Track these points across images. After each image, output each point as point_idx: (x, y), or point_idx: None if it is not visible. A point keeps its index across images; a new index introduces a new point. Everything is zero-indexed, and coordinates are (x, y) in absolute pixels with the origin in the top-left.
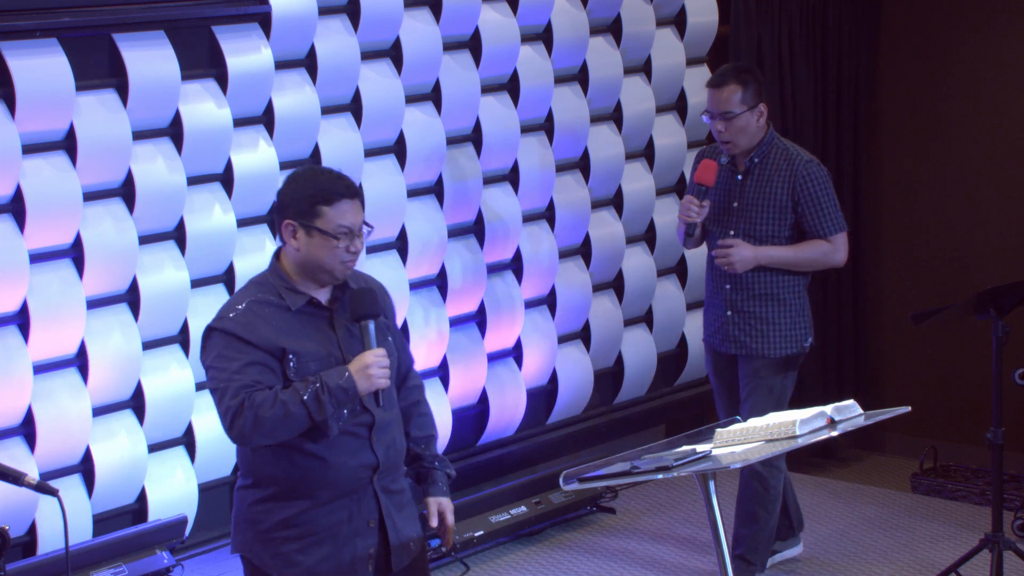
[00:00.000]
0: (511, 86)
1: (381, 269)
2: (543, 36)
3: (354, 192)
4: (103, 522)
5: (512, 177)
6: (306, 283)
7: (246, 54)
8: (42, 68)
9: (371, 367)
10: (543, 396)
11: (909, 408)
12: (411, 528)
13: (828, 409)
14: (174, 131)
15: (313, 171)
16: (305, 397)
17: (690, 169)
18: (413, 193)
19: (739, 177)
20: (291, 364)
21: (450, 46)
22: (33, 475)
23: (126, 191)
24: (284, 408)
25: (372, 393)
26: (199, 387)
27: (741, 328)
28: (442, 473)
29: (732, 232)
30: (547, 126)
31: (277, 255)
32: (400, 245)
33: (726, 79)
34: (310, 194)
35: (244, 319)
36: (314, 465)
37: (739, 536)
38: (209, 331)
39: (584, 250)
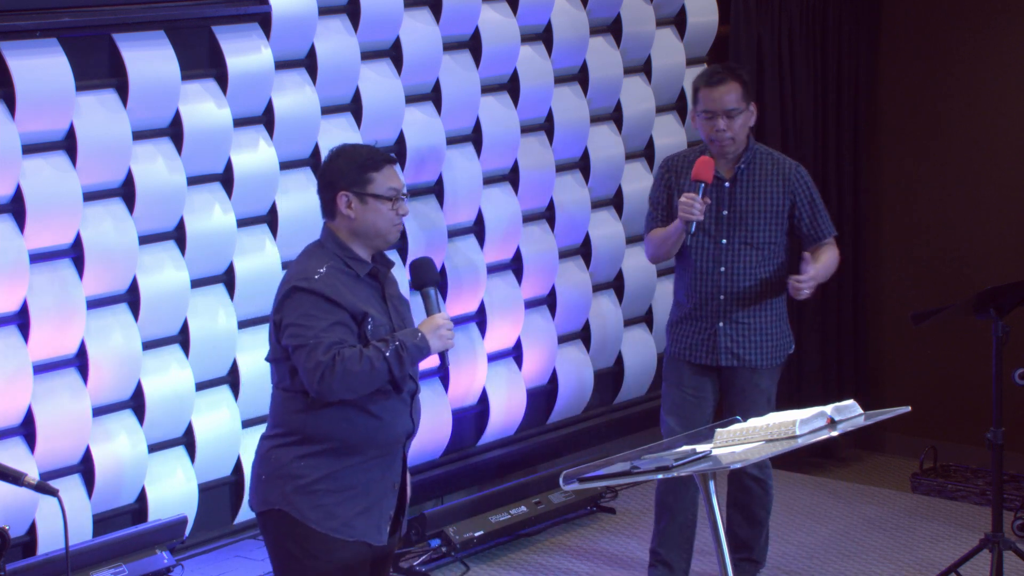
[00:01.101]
0: (511, 86)
1: None
2: (543, 36)
3: (392, 159)
4: (103, 522)
5: (512, 177)
6: (363, 250)
7: (246, 54)
8: (42, 68)
9: (442, 328)
10: (543, 396)
11: (909, 408)
12: (404, 498)
13: (828, 409)
14: (174, 131)
15: (350, 147)
16: (387, 354)
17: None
18: (413, 193)
19: (727, 184)
20: (369, 326)
21: (450, 46)
22: (33, 475)
23: (126, 191)
24: (370, 364)
25: (440, 353)
26: (199, 387)
27: (735, 339)
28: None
29: (724, 241)
30: (547, 126)
31: (327, 230)
32: (400, 245)
33: (725, 77)
34: (359, 164)
35: (329, 281)
36: (372, 424)
37: (743, 539)
38: (294, 290)
39: (584, 250)
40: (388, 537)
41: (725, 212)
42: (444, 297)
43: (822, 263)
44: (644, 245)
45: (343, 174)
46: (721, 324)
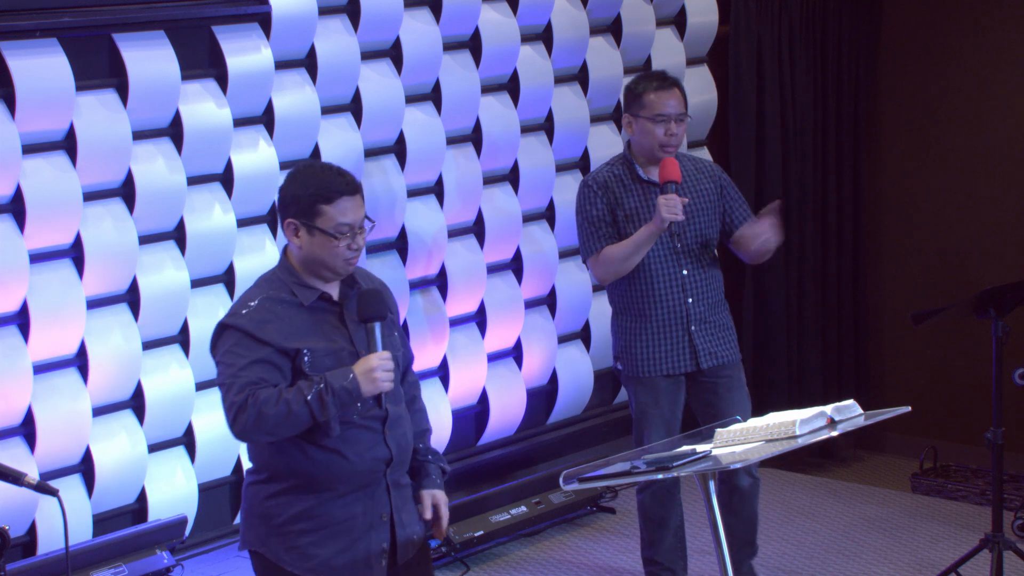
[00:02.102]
0: (511, 86)
1: (381, 269)
2: (543, 36)
3: (355, 188)
4: (103, 522)
5: (512, 177)
6: (314, 279)
7: (246, 54)
8: (42, 68)
9: (376, 370)
10: (543, 396)
11: (909, 408)
12: (415, 523)
13: (828, 409)
14: (174, 131)
15: (313, 168)
16: (308, 397)
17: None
18: (413, 193)
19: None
20: (305, 360)
21: (450, 46)
22: (33, 475)
23: (126, 191)
24: (287, 407)
25: (375, 396)
26: (199, 387)
27: (708, 339)
28: (436, 467)
29: (679, 244)
30: (547, 126)
31: (285, 251)
32: (400, 245)
33: (672, 83)
34: (310, 193)
35: (257, 316)
36: (331, 459)
37: (746, 540)
38: (221, 327)
39: None
40: (389, 570)
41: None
42: (444, 298)
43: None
44: (594, 267)
45: (293, 201)
46: (693, 328)
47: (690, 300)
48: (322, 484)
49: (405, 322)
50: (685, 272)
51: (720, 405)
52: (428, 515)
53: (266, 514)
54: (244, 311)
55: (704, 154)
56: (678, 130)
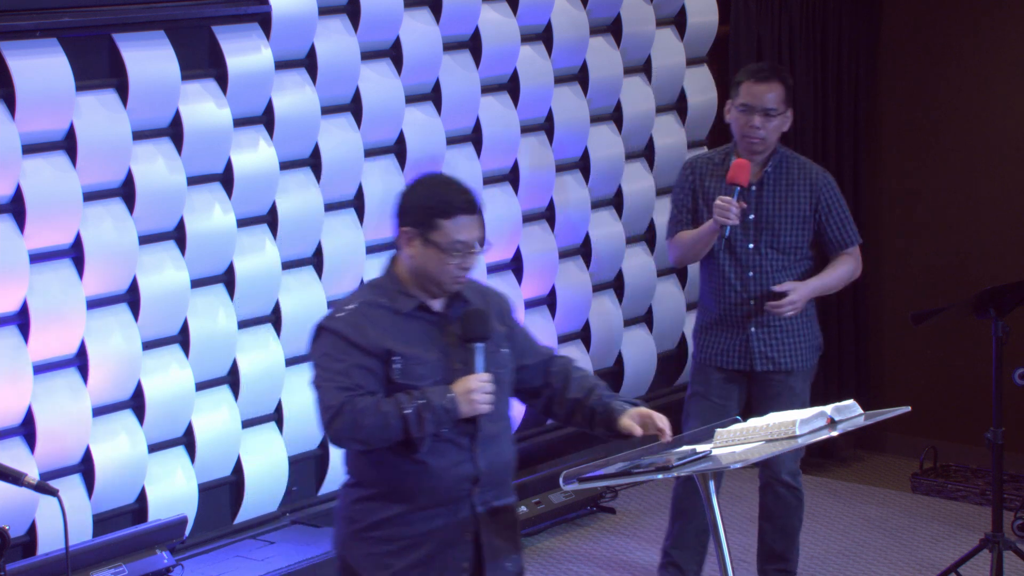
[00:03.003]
0: (511, 86)
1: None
2: (543, 36)
3: (475, 208)
4: (103, 522)
5: (512, 177)
6: (418, 290)
7: (246, 54)
8: (42, 68)
9: (475, 392)
10: None
11: (909, 408)
12: (510, 548)
13: (828, 409)
14: (174, 131)
15: (437, 180)
16: (407, 411)
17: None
18: None
19: (753, 188)
20: (396, 366)
21: (450, 46)
22: (33, 475)
23: (126, 191)
24: (384, 419)
25: (473, 418)
26: (199, 387)
27: (769, 343)
28: (619, 402)
29: (751, 245)
30: (547, 126)
31: (394, 259)
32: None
33: (771, 76)
34: (430, 205)
35: (352, 319)
36: (415, 470)
37: (776, 553)
38: (318, 329)
39: (584, 250)
40: None
41: (752, 216)
42: None
43: (827, 274)
44: (669, 248)
45: (412, 210)
46: (753, 329)
47: (752, 302)
48: (404, 495)
49: None
50: (751, 274)
51: (763, 404)
52: (639, 433)
53: (350, 518)
54: (341, 314)
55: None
56: (763, 124)
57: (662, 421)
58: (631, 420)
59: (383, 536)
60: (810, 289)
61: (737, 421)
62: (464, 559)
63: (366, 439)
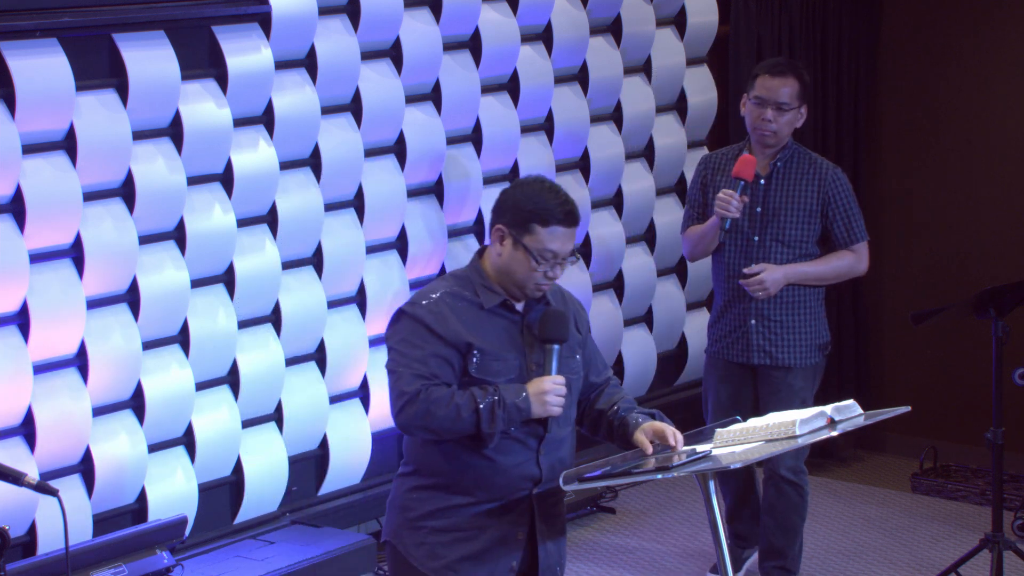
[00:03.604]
0: (511, 86)
1: (381, 269)
2: (543, 36)
3: (573, 221)
4: (103, 522)
5: (512, 177)
6: (501, 287)
7: (246, 54)
8: (42, 68)
9: (548, 393)
10: None
11: (909, 408)
12: (560, 554)
13: (828, 409)
14: (174, 131)
15: (541, 184)
16: (481, 406)
17: (692, 170)
18: (413, 193)
19: (762, 181)
20: (474, 360)
21: (450, 46)
22: (33, 475)
23: (126, 191)
24: (457, 411)
25: (543, 419)
26: (199, 387)
27: (767, 338)
28: (635, 415)
29: (756, 238)
30: (547, 126)
31: (480, 253)
32: (400, 245)
33: (786, 70)
34: (529, 209)
35: (436, 308)
36: (480, 465)
37: (775, 549)
38: (400, 314)
39: (584, 250)
40: None
41: (759, 209)
42: None
43: (814, 263)
44: (682, 243)
45: (511, 209)
46: (753, 322)
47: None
48: (463, 487)
49: None
50: (755, 266)
51: (768, 407)
52: (649, 450)
53: (405, 506)
54: (424, 302)
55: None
56: (774, 118)
57: (674, 437)
58: (643, 435)
59: (438, 526)
60: (784, 274)
61: (737, 421)
62: (513, 558)
63: (436, 429)
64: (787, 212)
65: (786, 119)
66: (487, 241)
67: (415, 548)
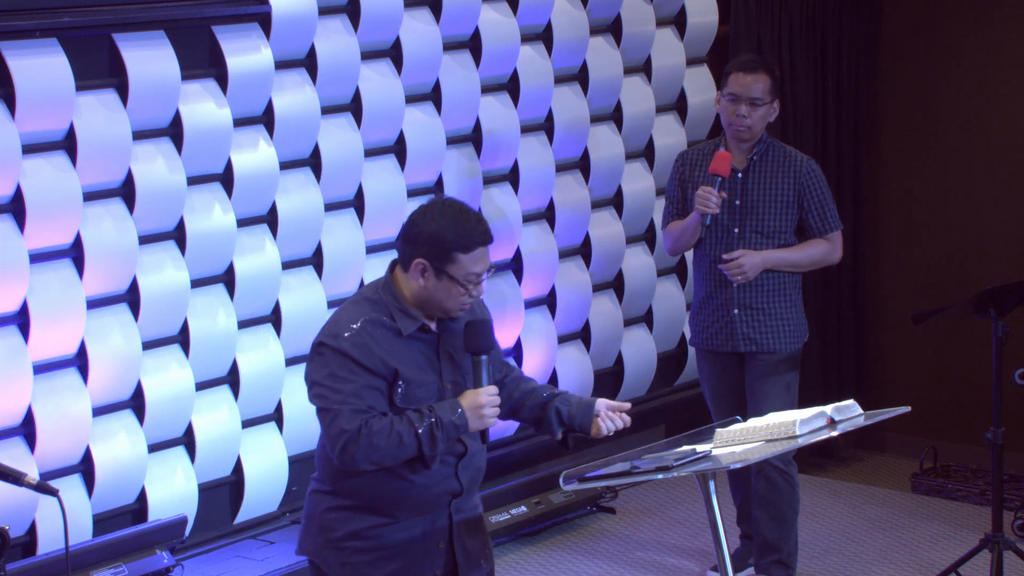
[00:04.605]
0: (511, 86)
1: (381, 269)
2: (543, 36)
3: (490, 238)
4: (103, 522)
5: (512, 177)
6: (419, 311)
7: (246, 54)
8: (42, 68)
9: (484, 407)
10: None
11: (909, 408)
12: (481, 548)
13: (828, 409)
14: (174, 131)
15: (453, 210)
16: (420, 431)
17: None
18: (413, 193)
19: (739, 175)
20: (399, 390)
21: (450, 46)
22: (33, 475)
23: (126, 191)
24: (399, 439)
25: (479, 431)
26: (199, 387)
27: (751, 325)
28: (561, 401)
29: (736, 230)
30: (547, 126)
31: (392, 271)
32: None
33: (757, 66)
34: (450, 239)
35: (359, 340)
36: (400, 486)
37: (770, 543)
38: (320, 346)
39: (584, 250)
40: None
41: (737, 202)
42: None
43: (791, 250)
44: (663, 239)
45: (429, 242)
46: (736, 311)
47: (735, 285)
48: (383, 508)
49: None
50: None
51: (752, 392)
52: (606, 431)
53: (324, 526)
54: (347, 333)
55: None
56: (748, 113)
57: (614, 418)
58: (600, 426)
59: (361, 547)
60: (763, 259)
61: (737, 421)
62: (437, 567)
63: (379, 460)
64: (765, 204)
65: (759, 114)
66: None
67: (339, 568)
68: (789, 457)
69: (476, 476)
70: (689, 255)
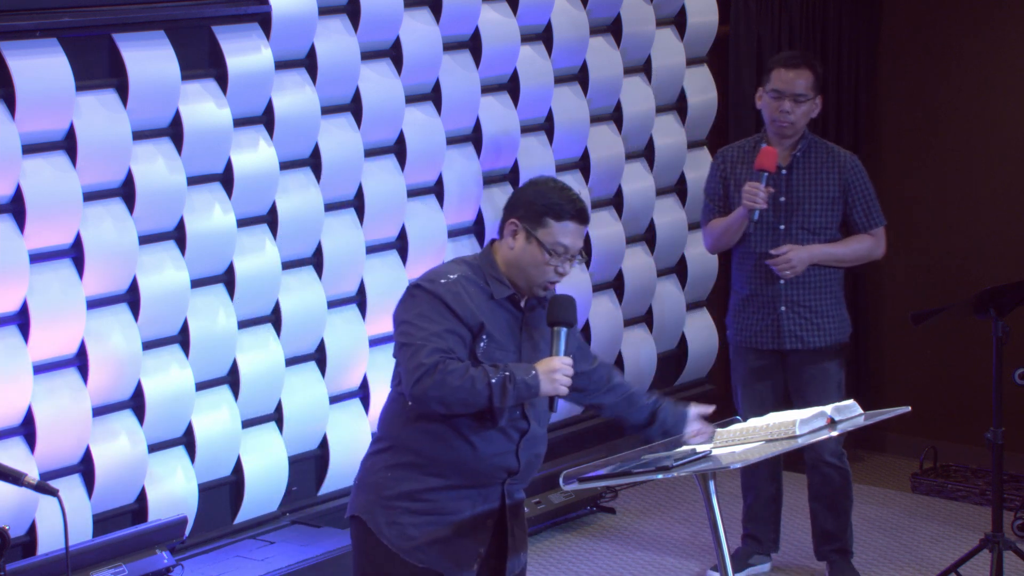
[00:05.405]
0: (511, 86)
1: (381, 269)
2: (543, 36)
3: (584, 218)
4: (103, 522)
5: (512, 177)
6: (511, 281)
7: (246, 54)
8: (42, 68)
9: (557, 372)
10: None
11: (909, 408)
12: (524, 541)
13: (828, 409)
14: (174, 131)
15: (555, 184)
16: (493, 380)
17: (692, 170)
18: (413, 193)
19: (783, 171)
20: (482, 344)
21: (450, 46)
22: (33, 475)
23: (126, 191)
24: (472, 383)
25: (549, 398)
26: (199, 387)
27: (798, 323)
28: (667, 403)
29: (782, 226)
30: (547, 126)
31: (492, 245)
32: (400, 245)
33: (800, 62)
34: (544, 203)
35: (454, 288)
36: (462, 448)
37: (828, 533)
38: (415, 287)
39: (584, 250)
40: None
41: (782, 198)
42: None
43: (836, 245)
44: (703, 236)
45: (525, 203)
46: (783, 308)
47: (782, 281)
48: (440, 470)
49: None
50: None
51: (805, 393)
52: (698, 436)
53: (379, 484)
54: (443, 280)
55: (704, 155)
56: (792, 109)
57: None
58: (696, 428)
59: (411, 507)
60: (810, 253)
61: (737, 421)
62: (481, 544)
63: (451, 402)
64: (811, 200)
65: (803, 110)
66: (487, 240)
67: (387, 527)
68: (840, 449)
69: (533, 461)
70: (691, 254)
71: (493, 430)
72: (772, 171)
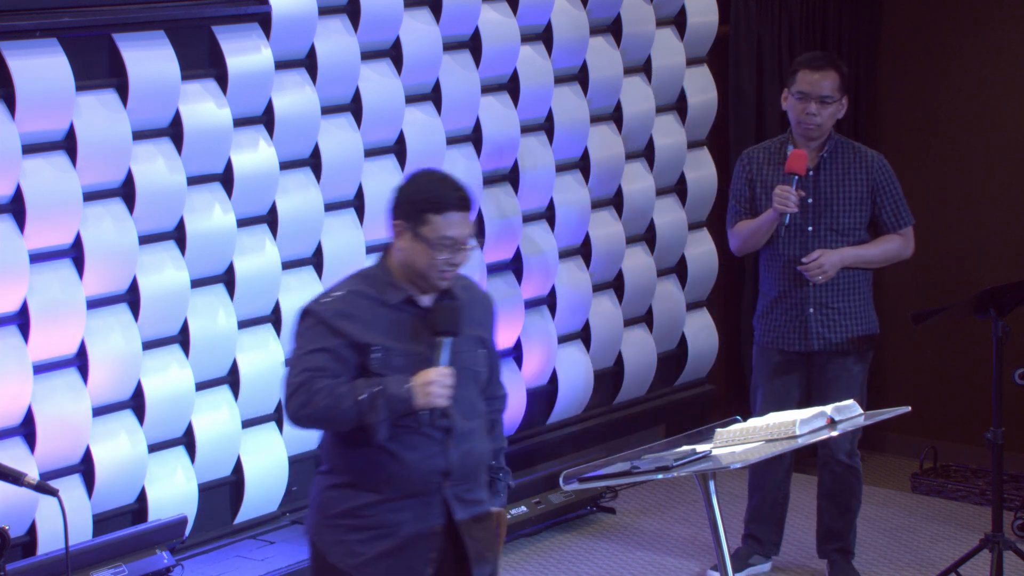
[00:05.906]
0: (511, 86)
1: None
2: (543, 36)
3: (466, 204)
4: (103, 522)
5: (512, 177)
6: (407, 283)
7: (246, 54)
8: (42, 68)
9: (433, 384)
10: (543, 396)
11: (909, 408)
12: (490, 542)
13: (828, 409)
14: (174, 131)
15: (431, 175)
16: (361, 397)
17: (692, 170)
18: None
19: (811, 172)
20: (375, 355)
21: (450, 46)
22: (33, 475)
23: (126, 191)
24: (336, 401)
25: (428, 410)
26: (199, 387)
27: (826, 324)
28: (503, 484)
29: (811, 228)
30: (547, 126)
31: (387, 251)
32: None
33: (826, 64)
34: (422, 198)
35: (336, 306)
36: (383, 460)
37: (834, 531)
38: (303, 311)
39: (584, 250)
40: None
41: (810, 200)
42: None
43: (867, 246)
44: (730, 238)
45: (404, 202)
46: (811, 310)
47: (811, 284)
48: (372, 484)
49: None
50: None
51: (828, 393)
52: None
53: (323, 504)
54: (327, 300)
55: (704, 155)
56: (818, 111)
57: (499, 537)
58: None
59: (354, 524)
60: (840, 257)
61: (737, 421)
62: (432, 551)
63: (321, 419)
64: (839, 201)
65: (829, 112)
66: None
67: (334, 546)
68: (853, 448)
69: (471, 460)
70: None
71: (414, 435)
72: (802, 174)
